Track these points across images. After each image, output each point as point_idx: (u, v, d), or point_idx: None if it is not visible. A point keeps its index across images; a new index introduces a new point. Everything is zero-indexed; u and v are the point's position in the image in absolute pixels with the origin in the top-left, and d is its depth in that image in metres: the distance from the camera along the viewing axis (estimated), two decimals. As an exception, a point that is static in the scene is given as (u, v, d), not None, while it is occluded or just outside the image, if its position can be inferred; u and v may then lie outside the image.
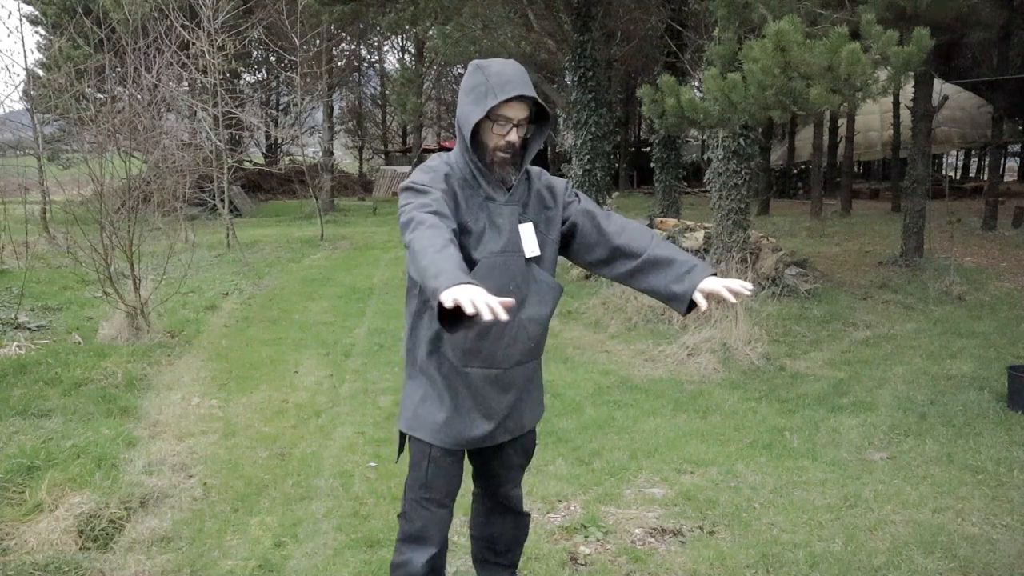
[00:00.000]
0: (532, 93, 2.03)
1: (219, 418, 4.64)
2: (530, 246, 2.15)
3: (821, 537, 3.15)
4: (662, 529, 3.23)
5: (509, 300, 1.63)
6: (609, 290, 7.77)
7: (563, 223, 2.21)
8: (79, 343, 6.15)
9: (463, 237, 2.08)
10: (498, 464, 2.34)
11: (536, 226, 2.18)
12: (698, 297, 1.98)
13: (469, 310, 1.56)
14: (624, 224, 2.19)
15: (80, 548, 3.01)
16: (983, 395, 4.97)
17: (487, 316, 1.56)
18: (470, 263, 2.07)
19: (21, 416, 4.44)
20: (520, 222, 2.15)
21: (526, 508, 2.53)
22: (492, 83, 2.01)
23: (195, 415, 4.67)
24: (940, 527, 3.22)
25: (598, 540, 3.14)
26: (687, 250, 8.61)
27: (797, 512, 3.38)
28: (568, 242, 2.24)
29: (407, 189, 2.04)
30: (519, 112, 2.05)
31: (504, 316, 1.59)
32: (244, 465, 3.91)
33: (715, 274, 2.01)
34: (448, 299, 1.58)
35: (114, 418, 4.49)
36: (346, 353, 6.21)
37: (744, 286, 1.94)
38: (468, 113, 2.03)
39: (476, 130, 2.07)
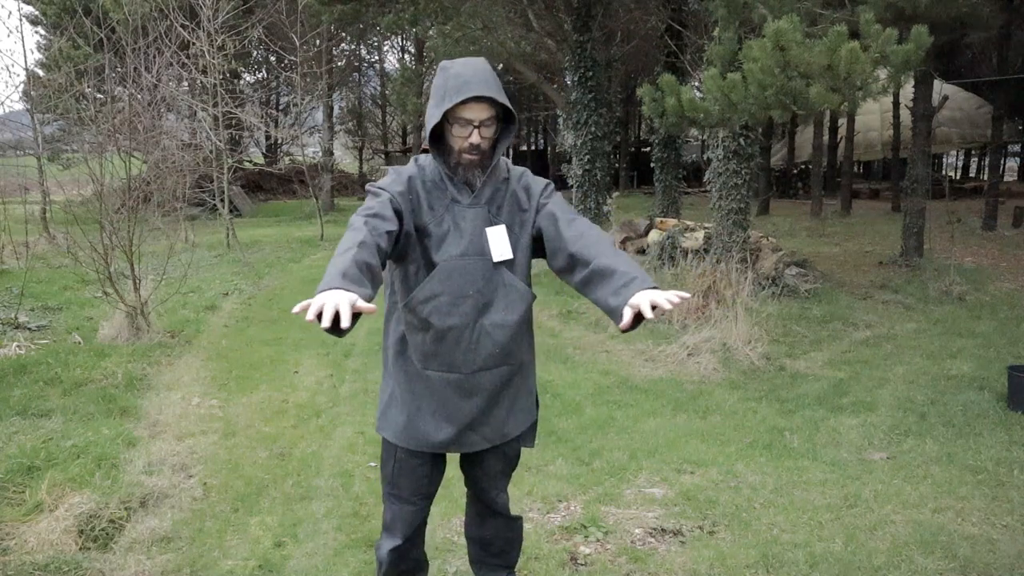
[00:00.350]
0: (491, 93, 1.96)
1: (219, 418, 4.64)
2: (499, 249, 2.08)
3: (821, 537, 3.15)
4: (662, 529, 3.23)
5: (370, 306, 1.60)
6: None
7: (532, 225, 2.13)
8: (79, 343, 6.15)
9: (425, 240, 2.05)
10: (479, 471, 2.33)
11: (510, 228, 2.11)
12: (626, 312, 1.78)
13: (308, 317, 1.56)
14: (583, 231, 2.04)
15: (80, 548, 3.01)
16: (983, 395, 4.97)
17: (324, 324, 1.54)
18: (431, 266, 2.05)
19: (21, 416, 4.44)
20: (493, 224, 2.08)
21: (524, 509, 2.52)
22: (450, 85, 1.97)
23: (195, 415, 4.67)
24: (940, 527, 3.22)
25: (598, 540, 3.14)
26: (686, 251, 8.65)
27: (797, 512, 3.38)
28: (540, 246, 2.14)
29: (368, 192, 2.07)
30: (479, 113, 1.98)
31: (347, 323, 1.53)
32: (244, 465, 3.91)
33: (655, 287, 1.80)
34: (296, 307, 1.59)
35: (114, 418, 4.49)
36: (346, 353, 6.21)
37: (669, 299, 1.72)
38: (429, 117, 2.02)
39: (442, 132, 2.05)
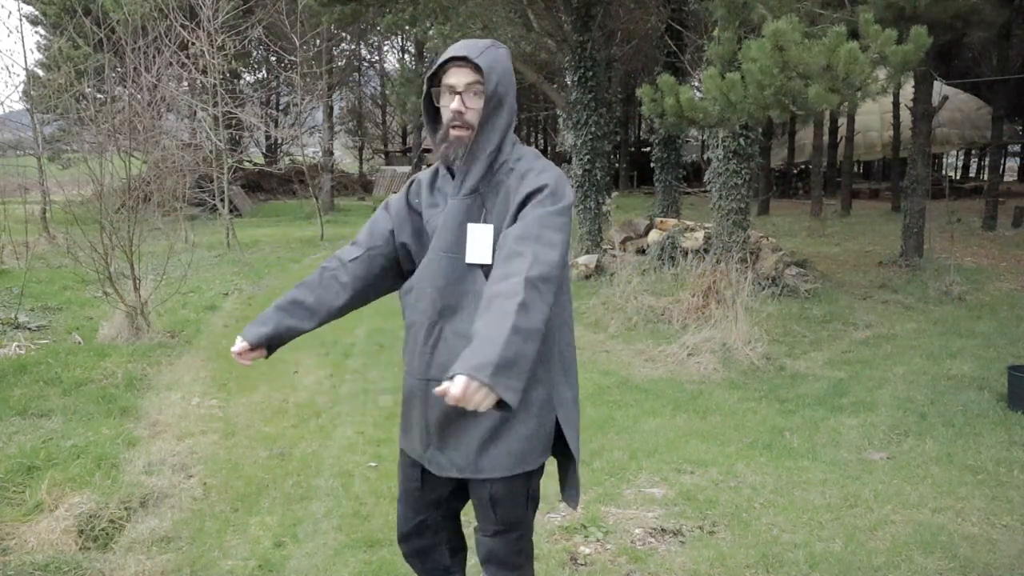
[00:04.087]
0: (469, 53, 1.82)
1: (219, 418, 4.64)
2: (476, 251, 1.85)
3: (821, 537, 3.15)
4: (662, 529, 3.23)
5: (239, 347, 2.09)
6: (609, 290, 7.77)
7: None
8: (79, 343, 6.15)
9: (431, 233, 1.95)
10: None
11: (500, 229, 1.84)
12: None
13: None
14: (505, 274, 1.66)
15: (80, 548, 3.01)
16: (983, 395, 4.97)
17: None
18: None
19: (21, 416, 4.44)
20: (481, 220, 1.87)
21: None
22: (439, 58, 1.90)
23: (195, 415, 4.67)
24: (940, 527, 3.22)
25: (598, 540, 3.14)
26: (686, 251, 8.65)
27: (797, 512, 3.38)
28: None
29: None
30: (461, 77, 1.83)
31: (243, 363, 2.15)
32: (244, 465, 3.91)
33: (472, 376, 1.47)
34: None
35: (114, 418, 4.49)
36: (346, 353, 6.21)
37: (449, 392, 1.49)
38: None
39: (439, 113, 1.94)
